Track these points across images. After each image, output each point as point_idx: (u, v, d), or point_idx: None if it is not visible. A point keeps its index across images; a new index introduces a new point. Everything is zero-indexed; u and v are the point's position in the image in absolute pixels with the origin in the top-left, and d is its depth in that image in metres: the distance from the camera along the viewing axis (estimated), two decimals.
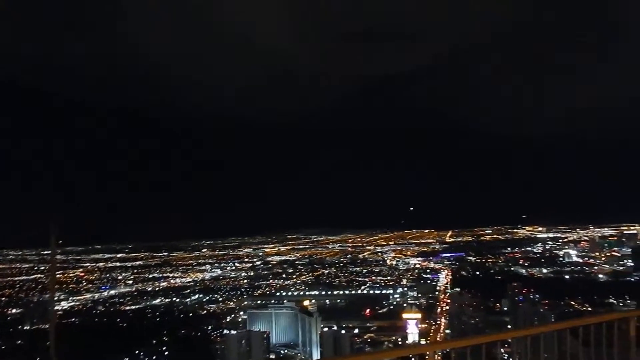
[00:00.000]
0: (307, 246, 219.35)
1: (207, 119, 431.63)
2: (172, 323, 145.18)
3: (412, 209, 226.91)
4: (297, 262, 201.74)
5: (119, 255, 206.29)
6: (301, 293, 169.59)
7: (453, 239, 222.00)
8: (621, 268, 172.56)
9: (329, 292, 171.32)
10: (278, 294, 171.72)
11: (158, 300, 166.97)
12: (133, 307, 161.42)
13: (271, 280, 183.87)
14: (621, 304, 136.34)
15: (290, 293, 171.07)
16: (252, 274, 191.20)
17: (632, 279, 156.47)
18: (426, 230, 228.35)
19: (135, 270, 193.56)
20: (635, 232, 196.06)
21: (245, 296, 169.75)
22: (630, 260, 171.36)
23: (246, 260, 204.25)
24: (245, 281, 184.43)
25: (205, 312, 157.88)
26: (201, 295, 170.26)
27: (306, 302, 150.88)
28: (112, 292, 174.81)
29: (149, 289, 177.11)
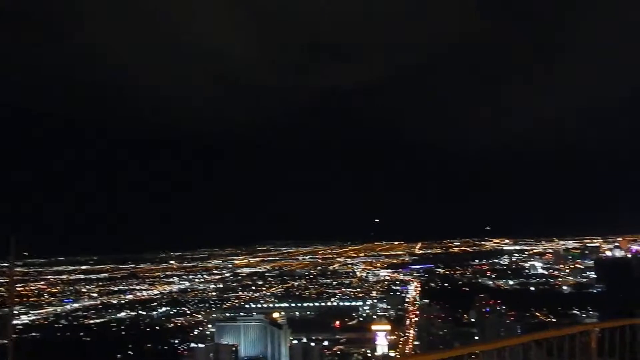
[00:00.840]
0: (277, 258, 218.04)
1: (167, 131, 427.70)
2: (138, 337, 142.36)
3: (376, 220, 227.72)
4: (266, 274, 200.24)
5: (83, 267, 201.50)
6: (271, 305, 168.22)
7: (422, 251, 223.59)
8: (584, 280, 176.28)
9: (299, 304, 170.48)
10: (247, 306, 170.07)
11: (124, 314, 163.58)
12: (97, 320, 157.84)
13: (240, 293, 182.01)
14: (584, 315, 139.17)
15: (259, 305, 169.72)
16: (221, 286, 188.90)
17: (595, 291, 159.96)
18: (396, 242, 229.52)
19: (100, 283, 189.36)
20: (597, 244, 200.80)
21: (213, 309, 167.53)
22: (592, 272, 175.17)
23: (215, 272, 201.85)
24: (214, 293, 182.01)
25: (172, 325, 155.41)
26: (168, 308, 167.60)
27: (276, 315, 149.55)
28: (76, 305, 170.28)
29: (115, 302, 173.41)
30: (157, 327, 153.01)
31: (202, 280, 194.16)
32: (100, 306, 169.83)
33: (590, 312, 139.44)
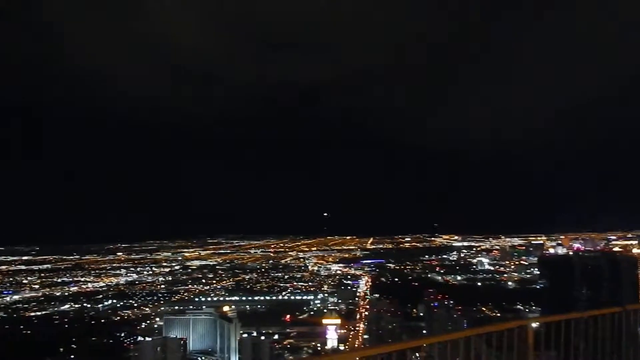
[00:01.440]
0: (228, 251, 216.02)
1: (123, 119, 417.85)
2: (82, 330, 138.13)
3: (326, 214, 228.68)
4: (217, 267, 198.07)
5: (24, 258, 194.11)
6: (221, 298, 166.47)
7: (374, 246, 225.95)
8: (528, 276, 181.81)
9: (250, 298, 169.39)
10: (197, 299, 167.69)
11: (67, 306, 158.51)
12: (39, 313, 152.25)
13: (190, 286, 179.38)
14: (527, 310, 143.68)
15: (209, 298, 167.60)
16: (170, 278, 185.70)
17: (538, 287, 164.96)
18: (348, 237, 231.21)
19: (43, 274, 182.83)
20: (541, 242, 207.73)
21: (162, 302, 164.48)
22: (536, 269, 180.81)
23: (164, 264, 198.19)
24: (162, 286, 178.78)
25: (118, 318, 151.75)
26: (115, 301, 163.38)
27: (226, 308, 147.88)
28: (16, 297, 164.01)
29: (58, 294, 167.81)
30: (103, 321, 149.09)
31: (151, 272, 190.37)
32: (42, 298, 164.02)
33: (534, 307, 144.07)
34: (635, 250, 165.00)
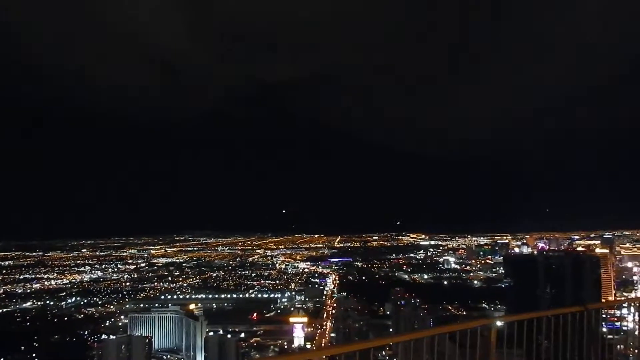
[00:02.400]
0: (195, 248, 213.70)
1: (89, 114, 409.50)
2: (45, 328, 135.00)
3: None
4: (184, 264, 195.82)
5: None
6: (187, 296, 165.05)
7: (342, 244, 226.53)
8: (493, 275, 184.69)
9: (216, 296, 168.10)
10: (163, 297, 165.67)
11: (29, 303, 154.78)
12: (0, 310, 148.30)
13: (156, 283, 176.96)
14: (492, 309, 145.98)
15: (175, 296, 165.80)
16: (135, 276, 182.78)
17: (503, 285, 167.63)
18: (316, 235, 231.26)
19: (4, 271, 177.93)
20: (506, 241, 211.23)
21: (127, 299, 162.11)
22: (501, 268, 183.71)
23: (130, 261, 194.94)
24: (128, 284, 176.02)
25: (82, 316, 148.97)
26: (79, 298, 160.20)
27: (192, 306, 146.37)
28: None
29: (20, 291, 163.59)
30: (66, 318, 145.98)
31: (116, 270, 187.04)
32: (3, 295, 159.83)
33: (499, 306, 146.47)
34: (598, 250, 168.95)
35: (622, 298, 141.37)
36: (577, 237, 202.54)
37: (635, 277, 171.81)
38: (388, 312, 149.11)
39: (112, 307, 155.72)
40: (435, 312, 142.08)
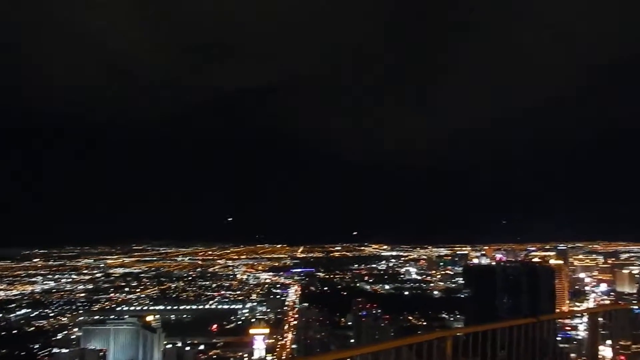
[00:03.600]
0: (154, 258, 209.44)
1: (42, 119, 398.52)
2: None
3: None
4: (142, 274, 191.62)
5: None
6: (145, 308, 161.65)
7: (304, 255, 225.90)
8: (453, 285, 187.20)
9: (175, 307, 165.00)
10: (119, 308, 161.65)
11: None
12: None
13: (112, 294, 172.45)
14: (452, 319, 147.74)
15: (132, 308, 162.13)
16: (90, 286, 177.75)
17: (462, 296, 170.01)
18: (278, 245, 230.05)
19: None
20: (466, 252, 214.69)
21: (81, 311, 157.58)
22: (461, 278, 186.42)
23: (85, 271, 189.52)
24: (82, 295, 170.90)
25: (32, 328, 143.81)
26: (29, 310, 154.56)
27: (149, 318, 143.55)
28: None
29: None
30: (15, 331, 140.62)
31: (70, 280, 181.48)
32: None
33: (458, 316, 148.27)
34: (552, 261, 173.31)
35: (575, 308, 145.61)
36: (533, 248, 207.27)
37: (587, 288, 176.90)
38: (349, 323, 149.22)
39: (64, 319, 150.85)
40: (396, 322, 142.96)
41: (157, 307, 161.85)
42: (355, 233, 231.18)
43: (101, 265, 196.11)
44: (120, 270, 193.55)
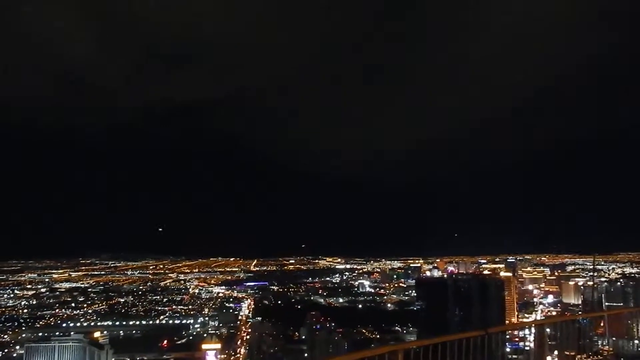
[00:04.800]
0: (102, 272, 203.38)
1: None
2: None
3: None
4: (90, 289, 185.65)
5: None
6: (92, 323, 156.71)
7: (258, 268, 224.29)
8: (406, 298, 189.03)
9: (124, 323, 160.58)
10: (65, 324, 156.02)
11: None
12: None
13: (57, 310, 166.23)
14: (405, 332, 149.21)
15: (79, 324, 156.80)
16: (34, 302, 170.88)
17: (415, 308, 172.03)
18: (232, 259, 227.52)
19: None
20: (419, 265, 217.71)
21: (24, 328, 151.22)
22: (413, 291, 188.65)
23: (29, 286, 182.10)
24: (25, 311, 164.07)
25: None
26: None
27: (97, 334, 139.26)
28: None
29: None
30: None
31: (12, 295, 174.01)
32: None
33: (411, 328, 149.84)
34: (502, 274, 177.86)
35: (524, 319, 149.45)
36: (483, 261, 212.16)
37: (535, 299, 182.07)
38: (303, 337, 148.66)
39: (6, 336, 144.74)
40: (350, 335, 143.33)
41: (105, 323, 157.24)
42: (303, 246, 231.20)
43: (46, 280, 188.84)
44: (67, 285, 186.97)
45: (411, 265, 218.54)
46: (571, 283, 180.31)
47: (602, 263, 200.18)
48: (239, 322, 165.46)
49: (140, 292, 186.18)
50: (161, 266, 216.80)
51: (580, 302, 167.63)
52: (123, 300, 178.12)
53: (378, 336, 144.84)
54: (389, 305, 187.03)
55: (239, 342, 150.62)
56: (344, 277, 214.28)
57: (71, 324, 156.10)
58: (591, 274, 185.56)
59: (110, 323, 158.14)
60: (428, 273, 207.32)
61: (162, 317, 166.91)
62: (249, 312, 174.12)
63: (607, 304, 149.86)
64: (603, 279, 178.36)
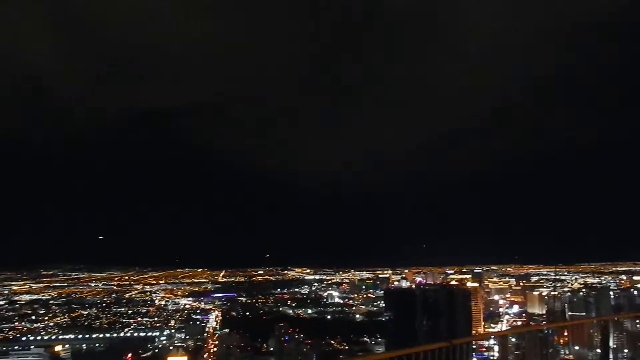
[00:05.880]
0: (65, 284, 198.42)
1: None
2: None
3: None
4: (51, 301, 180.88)
5: None
6: (53, 337, 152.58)
7: (226, 279, 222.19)
8: (375, 309, 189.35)
9: (87, 336, 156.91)
10: (24, 338, 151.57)
11: None
12: None
13: (17, 323, 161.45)
14: (373, 343, 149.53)
15: (39, 337, 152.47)
16: None
17: (383, 319, 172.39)
18: (199, 270, 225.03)
19: None
20: (387, 275, 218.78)
21: None
22: (382, 302, 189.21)
23: None
24: None
25: None
26: None
27: (58, 347, 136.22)
28: None
29: None
30: None
31: None
32: None
33: (379, 339, 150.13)
34: (469, 284, 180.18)
35: (490, 329, 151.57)
36: (451, 271, 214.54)
37: (501, 309, 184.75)
38: (272, 348, 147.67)
39: None
40: (318, 347, 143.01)
41: (66, 336, 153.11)
42: (267, 255, 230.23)
43: (5, 292, 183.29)
44: (27, 297, 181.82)
45: (380, 275, 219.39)
46: (535, 293, 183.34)
47: (565, 273, 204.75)
48: (206, 334, 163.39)
49: (104, 304, 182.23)
50: (126, 277, 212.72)
51: (544, 312, 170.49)
52: (86, 312, 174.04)
53: (347, 347, 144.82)
54: (357, 316, 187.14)
55: (206, 355, 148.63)
56: (313, 288, 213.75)
57: (31, 338, 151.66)
58: (554, 284, 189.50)
59: (72, 336, 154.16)
60: (396, 283, 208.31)
61: (126, 329, 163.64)
62: (216, 324, 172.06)
63: (570, 313, 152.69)
64: (566, 289, 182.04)
